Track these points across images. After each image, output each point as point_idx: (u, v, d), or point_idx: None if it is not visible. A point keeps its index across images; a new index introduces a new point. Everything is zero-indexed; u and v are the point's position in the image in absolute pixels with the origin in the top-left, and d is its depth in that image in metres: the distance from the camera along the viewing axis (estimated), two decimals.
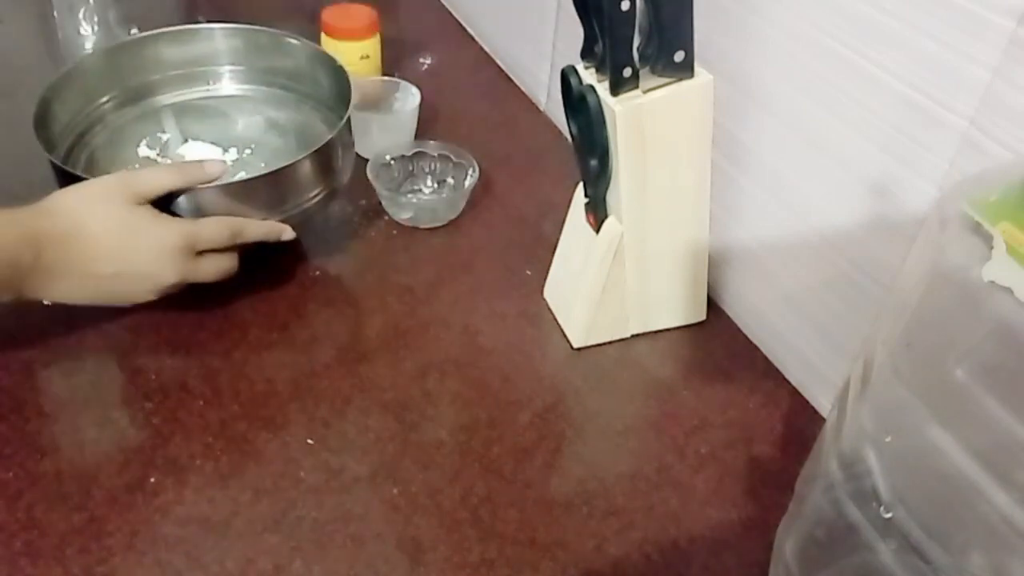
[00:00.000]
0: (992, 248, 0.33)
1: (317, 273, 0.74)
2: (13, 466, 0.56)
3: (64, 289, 0.59)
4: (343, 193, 0.75)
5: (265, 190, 0.66)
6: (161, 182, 0.62)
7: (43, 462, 0.57)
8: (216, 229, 0.63)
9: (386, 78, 0.90)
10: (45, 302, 0.67)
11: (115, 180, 0.62)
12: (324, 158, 0.69)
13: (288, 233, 0.68)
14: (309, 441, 0.60)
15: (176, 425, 0.60)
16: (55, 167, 0.64)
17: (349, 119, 0.71)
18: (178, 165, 0.68)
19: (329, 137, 0.68)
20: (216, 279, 0.65)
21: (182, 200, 0.63)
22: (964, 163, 0.50)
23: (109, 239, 0.59)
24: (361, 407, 0.63)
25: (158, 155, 0.79)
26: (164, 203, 0.62)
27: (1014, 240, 0.32)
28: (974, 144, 0.49)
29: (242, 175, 0.65)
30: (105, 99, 0.77)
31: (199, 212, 0.64)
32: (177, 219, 0.63)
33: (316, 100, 0.80)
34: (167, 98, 0.81)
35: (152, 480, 0.57)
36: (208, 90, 0.82)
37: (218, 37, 0.80)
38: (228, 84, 0.82)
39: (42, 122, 0.67)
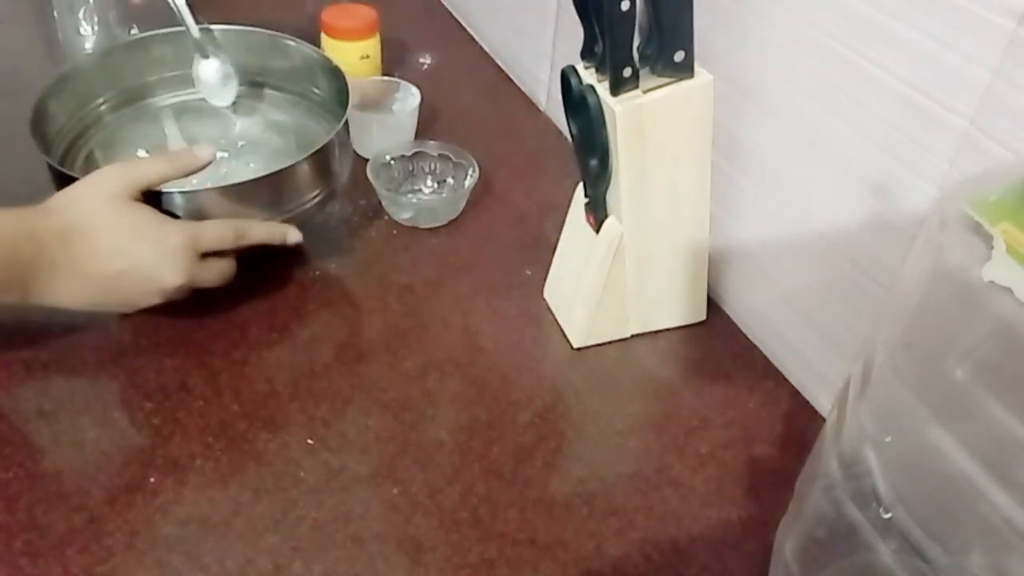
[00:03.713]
0: (992, 248, 0.33)
1: (317, 273, 0.74)
2: (13, 466, 0.56)
3: (68, 289, 0.58)
4: (343, 193, 0.75)
5: (263, 192, 0.66)
6: (157, 172, 0.61)
7: (43, 462, 0.57)
8: (220, 231, 0.63)
9: (386, 78, 0.90)
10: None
11: (115, 176, 0.61)
12: (322, 160, 0.69)
13: (293, 235, 0.67)
14: (309, 441, 0.60)
15: (176, 425, 0.60)
16: (52, 169, 0.64)
17: (347, 121, 0.71)
18: (169, 154, 0.67)
19: (327, 139, 0.68)
20: (218, 284, 0.64)
21: (180, 201, 0.63)
22: (964, 163, 0.50)
23: (112, 236, 0.58)
24: (361, 407, 0.63)
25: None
26: (158, 202, 0.62)
27: (1014, 240, 0.32)
28: (974, 144, 0.49)
29: (240, 177, 0.65)
30: (102, 100, 0.77)
31: (198, 213, 0.64)
32: (180, 220, 0.62)
33: (314, 101, 0.80)
34: (165, 99, 0.81)
35: (152, 480, 0.57)
36: None
37: (216, 38, 0.80)
38: None
39: (38, 125, 0.67)
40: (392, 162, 0.82)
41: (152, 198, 0.62)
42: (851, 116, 0.57)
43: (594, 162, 0.62)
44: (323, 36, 0.91)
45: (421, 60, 1.05)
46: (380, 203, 0.80)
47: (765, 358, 0.70)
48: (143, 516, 0.54)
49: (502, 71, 1.06)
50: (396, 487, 0.58)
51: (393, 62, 0.98)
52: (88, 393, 0.62)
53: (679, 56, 0.57)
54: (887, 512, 0.39)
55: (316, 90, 0.80)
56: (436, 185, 0.83)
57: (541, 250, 0.75)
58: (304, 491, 0.57)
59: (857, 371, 0.43)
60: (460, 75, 1.05)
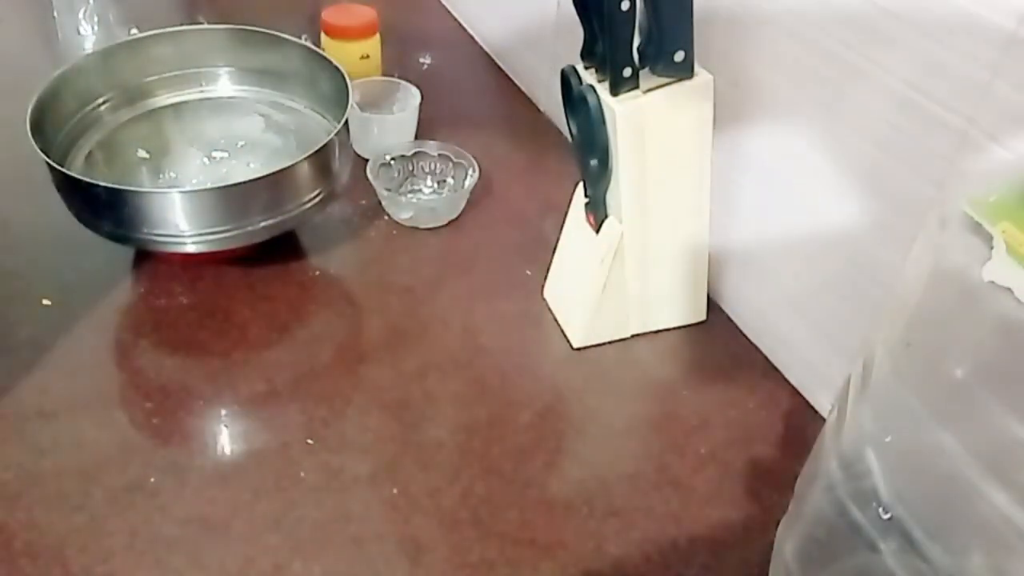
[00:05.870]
0: (992, 248, 0.33)
1: (317, 273, 0.74)
2: (13, 466, 0.56)
3: None
4: (343, 193, 0.75)
5: (263, 192, 0.66)
6: None
7: (43, 462, 0.57)
8: None
9: (386, 78, 0.90)
10: (45, 302, 0.68)
11: None
12: (322, 160, 0.68)
13: None
14: (309, 441, 0.60)
15: (176, 425, 0.60)
16: (52, 169, 0.64)
17: (347, 121, 0.71)
18: None
19: (328, 139, 0.68)
20: None
21: (180, 201, 0.63)
22: (964, 163, 0.50)
23: None
24: (361, 407, 0.63)
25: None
26: (157, 201, 0.61)
27: (1014, 240, 0.32)
28: (974, 144, 0.49)
29: (240, 177, 0.65)
30: (102, 100, 0.76)
31: (196, 216, 0.63)
32: None
33: (314, 101, 0.80)
34: (165, 99, 0.81)
35: (152, 480, 0.56)
36: (205, 91, 0.82)
37: (216, 38, 0.80)
38: (226, 85, 0.82)
39: (38, 125, 0.67)
40: (392, 162, 0.82)
41: (149, 197, 0.62)
42: (851, 116, 0.57)
43: (594, 162, 0.62)
44: (323, 36, 0.91)
45: (421, 60, 1.05)
46: (380, 203, 0.80)
47: (765, 358, 0.70)
48: (143, 516, 0.54)
49: (502, 71, 1.06)
50: (396, 487, 0.58)
51: (393, 62, 0.98)
52: (88, 393, 0.62)
53: (679, 56, 0.57)
54: (887, 512, 0.39)
55: (316, 90, 0.80)
56: (436, 185, 0.83)
57: (541, 250, 0.75)
58: (304, 491, 0.57)
59: (857, 371, 0.43)
60: (460, 75, 1.05)
